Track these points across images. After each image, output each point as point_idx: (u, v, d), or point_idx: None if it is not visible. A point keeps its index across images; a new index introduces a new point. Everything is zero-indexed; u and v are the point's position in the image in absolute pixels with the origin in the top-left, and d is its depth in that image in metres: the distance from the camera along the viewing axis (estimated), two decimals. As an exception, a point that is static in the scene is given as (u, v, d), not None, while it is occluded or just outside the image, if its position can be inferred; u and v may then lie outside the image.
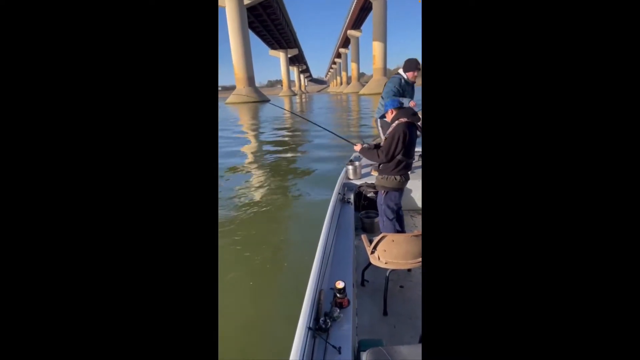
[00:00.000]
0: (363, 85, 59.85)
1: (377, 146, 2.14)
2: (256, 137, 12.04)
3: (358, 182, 2.70)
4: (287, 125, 14.57)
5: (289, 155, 7.96)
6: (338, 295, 1.30)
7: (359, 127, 12.49)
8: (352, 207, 2.36)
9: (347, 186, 2.65)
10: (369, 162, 2.93)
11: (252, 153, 8.84)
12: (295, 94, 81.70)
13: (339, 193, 2.39)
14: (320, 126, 3.14)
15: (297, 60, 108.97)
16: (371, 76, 54.76)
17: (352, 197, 2.47)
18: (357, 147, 2.24)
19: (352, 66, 76.33)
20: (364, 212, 2.66)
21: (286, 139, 11.00)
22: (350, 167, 2.77)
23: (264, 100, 41.80)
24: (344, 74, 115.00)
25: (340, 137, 3.15)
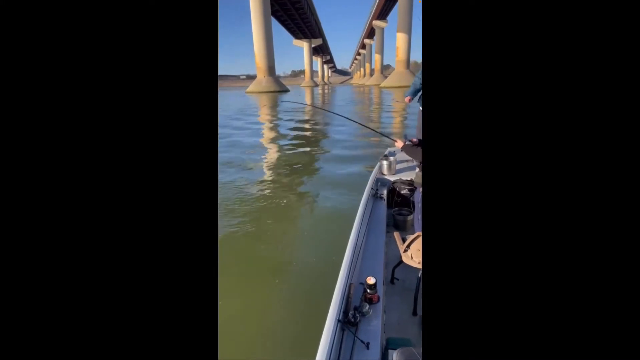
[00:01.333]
0: (386, 77, 58.82)
1: (419, 143, 2.08)
2: (275, 127, 12.09)
3: (392, 178, 2.63)
4: (306, 117, 14.53)
5: (310, 148, 7.95)
6: (368, 290, 1.29)
7: (379, 122, 12.38)
8: (385, 203, 2.31)
9: (380, 181, 2.58)
10: (404, 157, 2.85)
11: (271, 143, 8.90)
12: (317, 85, 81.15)
13: (372, 188, 2.33)
14: (361, 124, 3.25)
15: (322, 50, 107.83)
16: (395, 68, 53.70)
17: (385, 193, 2.40)
18: (399, 144, 2.18)
19: (376, 57, 74.92)
20: (396, 209, 2.60)
21: (306, 133, 10.96)
22: (384, 162, 2.69)
23: (284, 90, 41.90)
24: (367, 65, 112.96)
25: (380, 133, 3.23)
